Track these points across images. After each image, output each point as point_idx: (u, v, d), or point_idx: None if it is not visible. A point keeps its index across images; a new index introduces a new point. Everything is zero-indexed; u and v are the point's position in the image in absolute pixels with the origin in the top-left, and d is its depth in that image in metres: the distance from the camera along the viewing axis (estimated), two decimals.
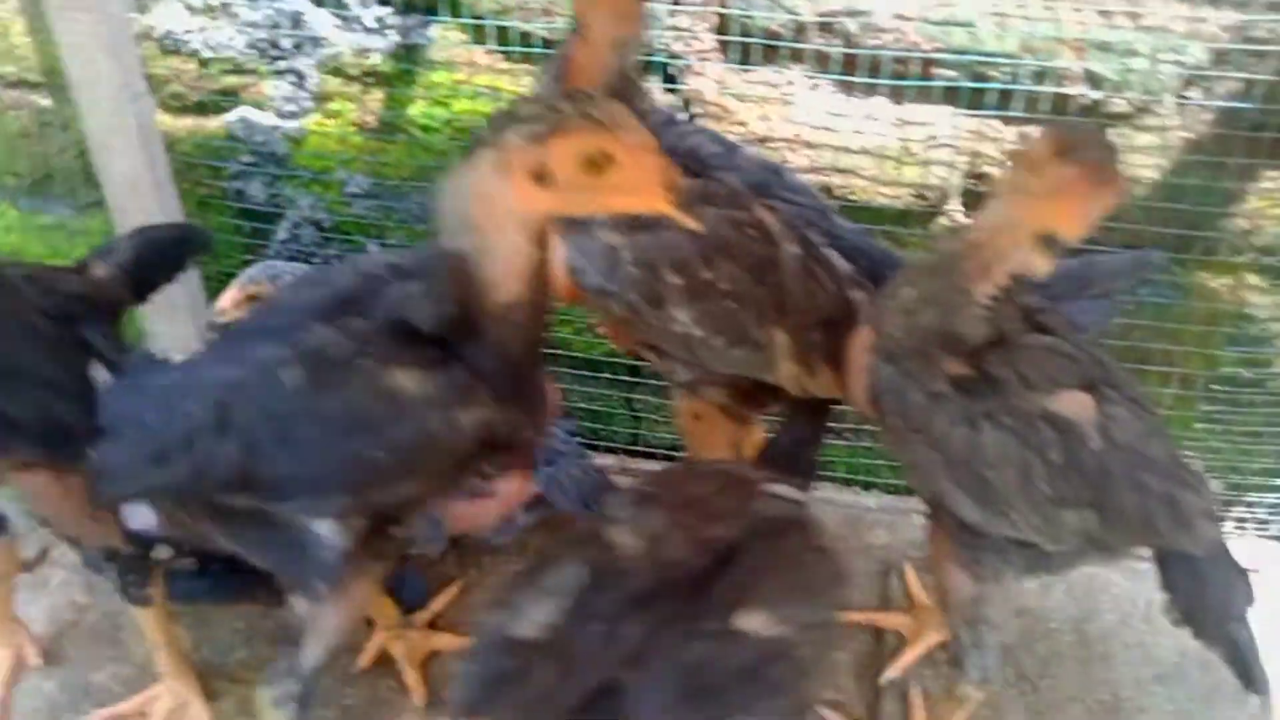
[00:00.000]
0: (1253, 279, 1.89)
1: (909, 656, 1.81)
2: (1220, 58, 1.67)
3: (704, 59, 1.84)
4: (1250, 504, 2.11)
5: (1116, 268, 1.55)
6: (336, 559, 1.20)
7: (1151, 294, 1.92)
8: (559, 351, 2.23)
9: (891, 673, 1.79)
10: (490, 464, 1.23)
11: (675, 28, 1.82)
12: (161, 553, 1.65)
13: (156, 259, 1.53)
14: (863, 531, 2.11)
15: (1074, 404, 1.27)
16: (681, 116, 1.83)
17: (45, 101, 2.22)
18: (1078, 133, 1.13)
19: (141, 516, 1.72)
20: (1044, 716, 1.75)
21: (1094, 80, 1.71)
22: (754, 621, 1.01)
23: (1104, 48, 1.68)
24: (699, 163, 1.48)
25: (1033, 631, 1.90)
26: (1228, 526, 2.16)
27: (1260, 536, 2.14)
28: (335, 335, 1.14)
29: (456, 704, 0.97)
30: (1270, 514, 2.12)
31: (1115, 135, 1.78)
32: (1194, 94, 1.72)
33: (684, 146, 1.49)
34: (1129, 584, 1.97)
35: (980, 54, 1.71)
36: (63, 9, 1.83)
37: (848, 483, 2.29)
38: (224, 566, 1.76)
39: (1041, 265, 1.13)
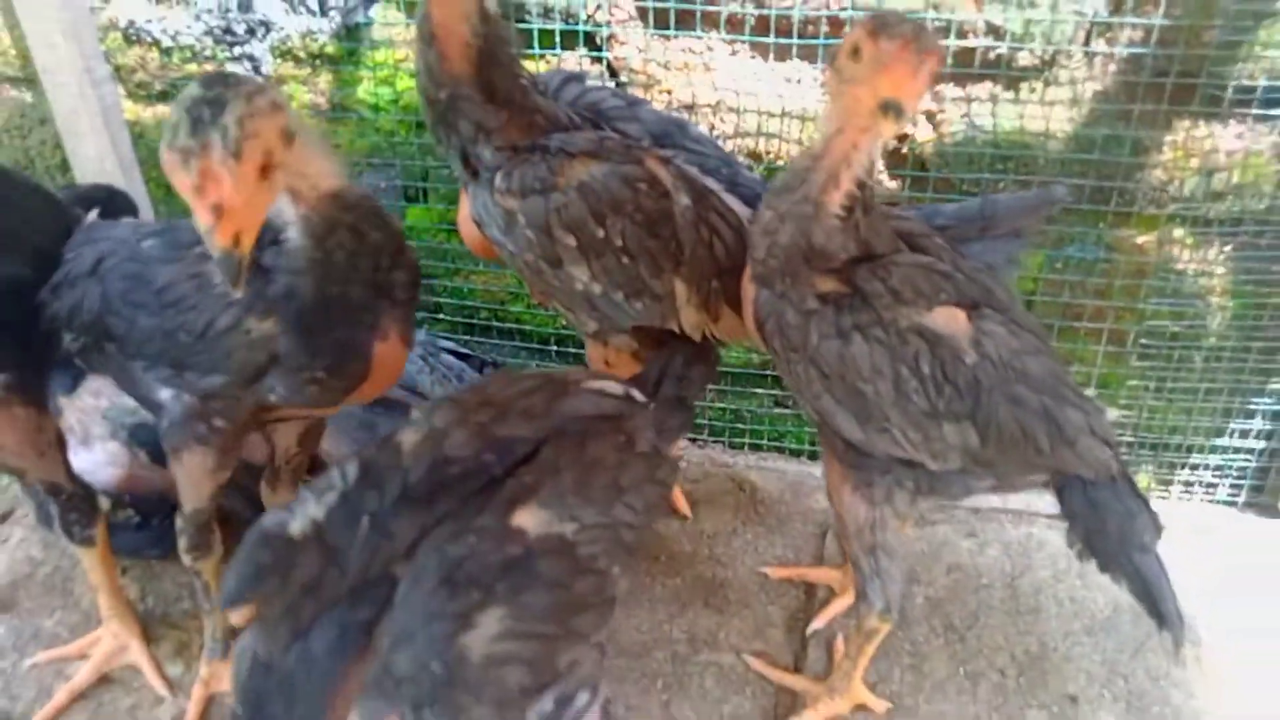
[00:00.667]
0: (1177, 233, 1.90)
1: (836, 607, 1.82)
2: (1118, 6, 1.71)
3: (625, 26, 1.91)
4: (1195, 467, 2.10)
5: (1020, 205, 1.56)
6: (172, 422, 1.39)
7: (1078, 251, 1.94)
8: (513, 326, 2.29)
9: (817, 623, 1.80)
10: (285, 392, 1.33)
11: None
12: (102, 503, 1.74)
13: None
14: (804, 497, 2.13)
15: (947, 319, 1.29)
16: (594, 79, 1.90)
17: (26, 96, 2.35)
18: (886, 14, 1.18)
19: (100, 458, 1.83)
20: (969, 665, 1.75)
21: (997, 33, 1.76)
22: (532, 518, 1.04)
23: (1002, 1, 1.73)
24: (600, 115, 1.54)
25: (964, 586, 1.90)
26: (1175, 489, 2.15)
27: (1208, 500, 2.13)
28: None
29: (222, 597, 1.02)
30: (1216, 477, 2.11)
31: (1026, 89, 1.83)
32: (1098, 44, 1.76)
33: (585, 101, 1.56)
34: (1062, 540, 1.96)
35: (885, 11, 1.76)
36: None
37: (795, 454, 2.32)
38: (164, 520, 1.85)
39: (889, 130, 1.17)
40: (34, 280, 1.42)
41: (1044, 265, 1.98)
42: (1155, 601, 1.38)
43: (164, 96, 2.26)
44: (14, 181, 1.52)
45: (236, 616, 0.97)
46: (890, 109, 1.11)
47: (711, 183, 1.52)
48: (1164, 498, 2.12)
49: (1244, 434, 2.03)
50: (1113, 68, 1.77)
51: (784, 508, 2.09)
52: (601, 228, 1.42)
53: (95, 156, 2.14)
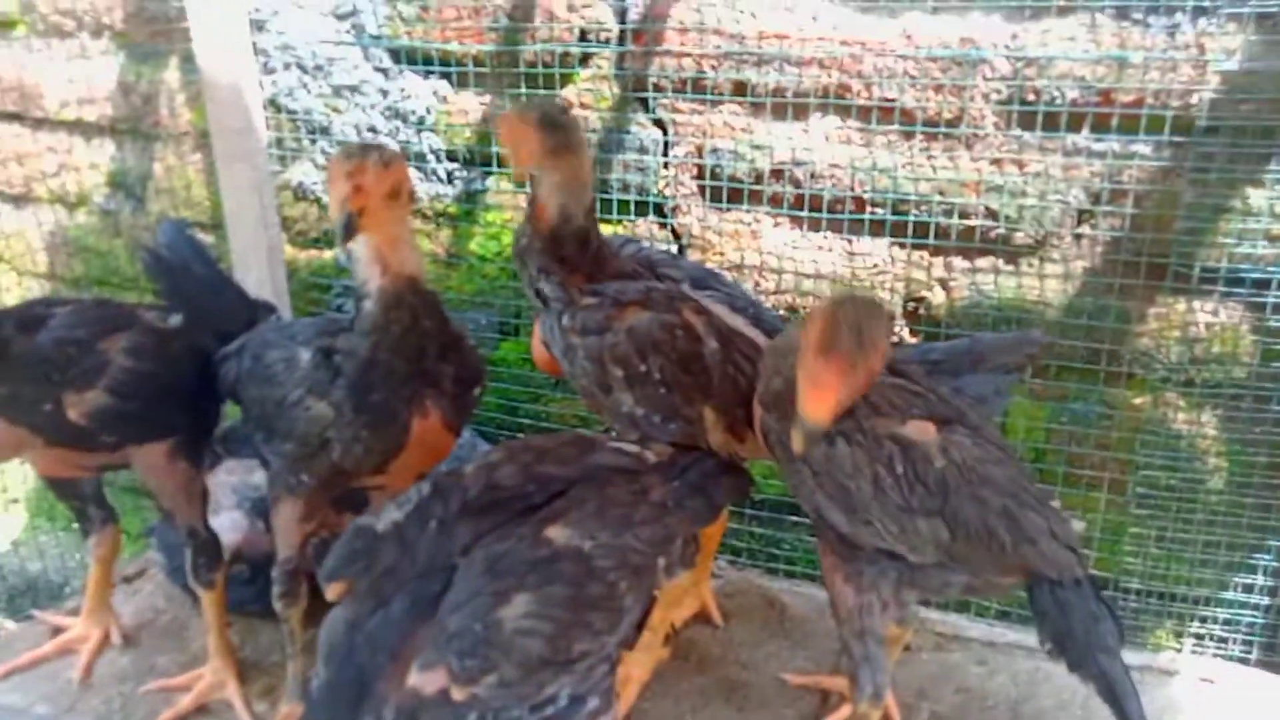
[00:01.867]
0: (1169, 395, 2.13)
1: (844, 711, 1.98)
2: (1096, 198, 2.03)
3: (688, 200, 2.33)
4: (1205, 619, 2.21)
5: (1003, 343, 1.80)
6: (271, 475, 1.75)
7: (1081, 408, 2.18)
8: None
9: None
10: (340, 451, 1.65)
11: (665, 177, 2.33)
12: (224, 554, 2.09)
13: None
14: (829, 618, 2.28)
15: (918, 429, 1.55)
16: (646, 242, 2.27)
17: (211, 238, 2.92)
18: (838, 333, 1.35)
19: (225, 524, 2.19)
20: None
21: (994, 215, 2.09)
22: (559, 533, 1.33)
23: (997, 190, 2.07)
24: (651, 265, 1.91)
25: (969, 706, 2.02)
26: (1188, 643, 2.25)
27: (1219, 655, 2.21)
28: (314, 321, 1.78)
29: (322, 574, 1.32)
30: (1226, 632, 2.20)
31: (1025, 264, 2.15)
32: (1082, 229, 2.07)
33: (640, 255, 1.93)
34: (1071, 676, 2.09)
35: (899, 194, 2.13)
36: (228, 160, 2.53)
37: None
38: (265, 581, 2.17)
39: (798, 444, 1.42)
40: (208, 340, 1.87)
41: (1049, 418, 2.21)
42: (1120, 702, 1.53)
43: (316, 242, 2.78)
44: (224, 280, 2.06)
45: (331, 591, 1.28)
46: (801, 427, 1.39)
47: (739, 319, 1.84)
48: (1176, 650, 2.22)
49: (1248, 589, 2.14)
50: (1098, 248, 2.07)
51: (810, 625, 2.27)
52: (644, 364, 1.71)
53: (256, 284, 2.64)
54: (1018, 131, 2.05)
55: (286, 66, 2.61)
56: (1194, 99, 1.91)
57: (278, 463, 1.75)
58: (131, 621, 2.23)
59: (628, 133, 2.35)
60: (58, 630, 2.17)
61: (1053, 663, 2.08)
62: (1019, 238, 2.11)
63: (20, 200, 2.96)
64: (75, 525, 3.04)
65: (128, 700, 2.02)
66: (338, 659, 1.26)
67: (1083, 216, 2.08)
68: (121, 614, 2.21)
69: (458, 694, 1.21)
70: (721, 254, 2.34)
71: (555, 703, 1.33)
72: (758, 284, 2.33)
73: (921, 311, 2.24)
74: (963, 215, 2.11)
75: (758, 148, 2.23)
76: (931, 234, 2.14)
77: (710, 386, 1.75)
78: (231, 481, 2.36)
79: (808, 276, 2.28)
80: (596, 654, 1.34)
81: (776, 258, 2.30)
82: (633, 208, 2.40)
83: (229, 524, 2.26)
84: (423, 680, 1.21)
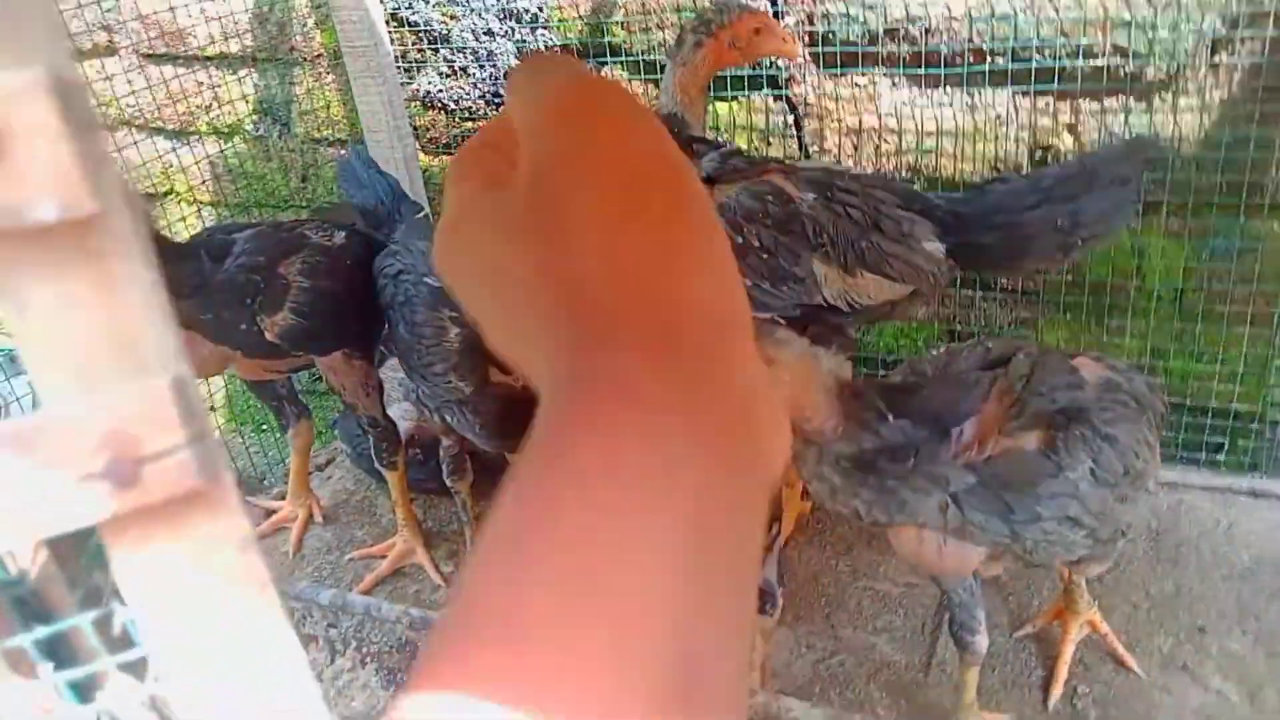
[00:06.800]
0: None
1: None
2: (1235, 23, 1.94)
3: (802, 69, 2.34)
4: None
5: (1115, 154, 1.75)
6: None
7: (1222, 244, 2.13)
8: None
9: None
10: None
11: None
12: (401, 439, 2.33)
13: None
14: None
15: None
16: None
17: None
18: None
19: (397, 413, 2.43)
20: (1105, 600, 1.93)
21: (1123, 54, 2.03)
22: None
23: (1125, 25, 2.00)
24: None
25: None
26: None
27: None
28: None
29: None
30: None
31: (1157, 100, 2.08)
32: (1221, 57, 1.99)
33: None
34: (1213, 506, 2.13)
35: (1021, 41, 2.09)
36: (358, 77, 2.68)
37: None
38: (437, 463, 2.42)
39: None
40: (372, 249, 2.05)
41: (1189, 256, 2.18)
42: None
43: (447, 149, 2.93)
44: (379, 173, 2.28)
45: None
46: None
47: (838, 181, 1.88)
48: None
49: None
50: (1236, 76, 1.99)
51: None
52: (740, 235, 1.76)
53: None
54: None
55: None
56: None
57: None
58: (329, 502, 2.53)
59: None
60: (270, 512, 2.49)
61: (1196, 497, 2.17)
62: (1150, 73, 2.05)
63: (181, 135, 3.22)
64: (265, 429, 3.39)
65: (335, 566, 2.32)
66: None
67: (1218, 45, 1.99)
68: (320, 494, 2.52)
69: None
70: (839, 120, 2.36)
71: None
72: (878, 147, 2.34)
73: (1050, 160, 2.21)
74: (1089, 55, 2.05)
75: (870, 8, 2.21)
76: (1056, 79, 2.09)
77: (816, 234, 1.76)
78: (398, 376, 2.59)
79: (929, 134, 2.28)
80: None
81: (895, 119, 2.30)
82: (746, 82, 2.42)
83: (400, 413, 2.49)
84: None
